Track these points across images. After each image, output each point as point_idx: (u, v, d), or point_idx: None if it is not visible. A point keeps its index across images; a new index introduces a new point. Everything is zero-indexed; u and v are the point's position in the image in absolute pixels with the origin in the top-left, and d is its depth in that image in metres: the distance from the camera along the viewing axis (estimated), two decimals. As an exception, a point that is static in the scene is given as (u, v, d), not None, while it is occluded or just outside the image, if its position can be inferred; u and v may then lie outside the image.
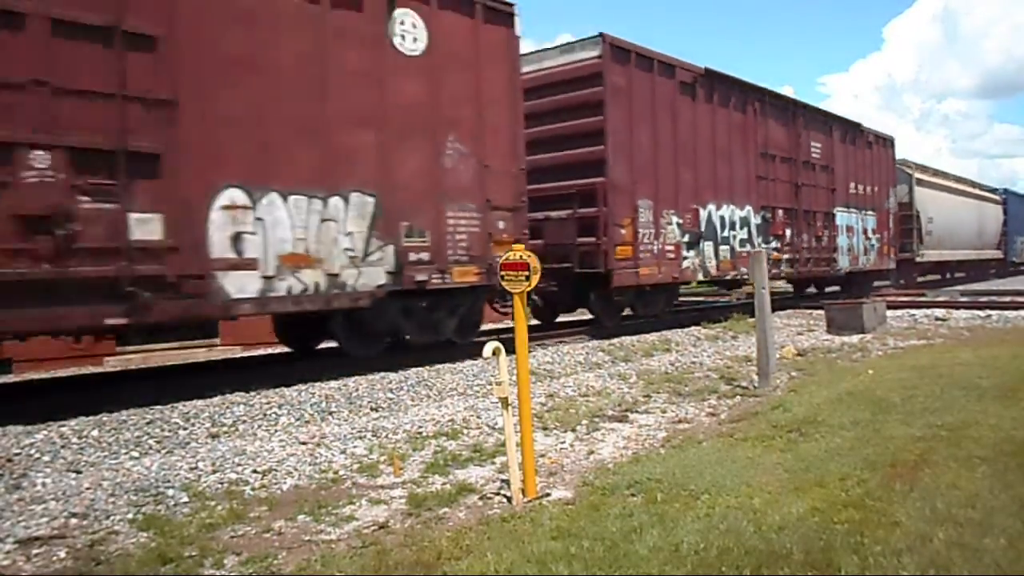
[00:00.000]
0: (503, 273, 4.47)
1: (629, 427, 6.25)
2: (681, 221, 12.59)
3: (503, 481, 4.61)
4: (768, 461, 4.75)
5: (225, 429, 6.34)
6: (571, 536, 3.58)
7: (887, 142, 20.54)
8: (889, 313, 13.80)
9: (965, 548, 3.21)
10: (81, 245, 6.14)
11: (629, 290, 11.99)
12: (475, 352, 8.65)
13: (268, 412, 6.79)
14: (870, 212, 19.27)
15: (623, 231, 11.38)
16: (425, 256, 8.71)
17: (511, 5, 9.68)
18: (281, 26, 7.46)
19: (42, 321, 6.17)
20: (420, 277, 8.63)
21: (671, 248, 12.36)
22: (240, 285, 7.13)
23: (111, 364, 11.75)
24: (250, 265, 7.22)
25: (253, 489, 4.72)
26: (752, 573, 3.08)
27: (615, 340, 11.20)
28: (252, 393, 7.36)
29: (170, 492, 4.59)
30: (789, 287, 19.99)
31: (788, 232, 15.55)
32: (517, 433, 4.47)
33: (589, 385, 7.98)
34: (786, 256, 15.48)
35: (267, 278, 7.34)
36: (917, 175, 24.19)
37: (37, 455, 5.44)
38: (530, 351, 9.37)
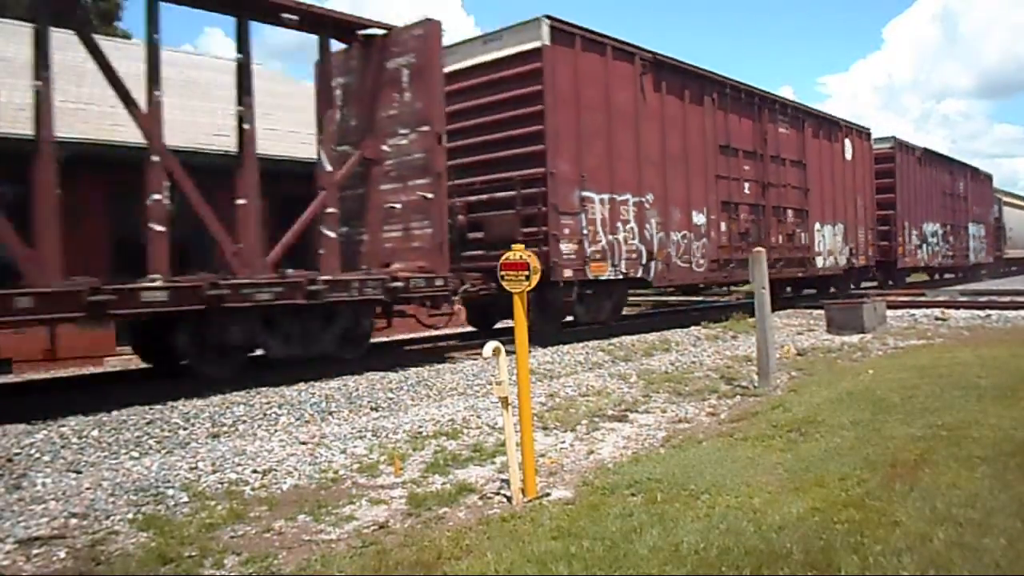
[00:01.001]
0: (503, 273, 4.46)
1: (629, 427, 6.25)
2: (917, 232, 23.47)
3: (503, 481, 4.61)
4: (768, 461, 4.76)
5: (225, 429, 6.34)
6: (571, 536, 3.58)
7: (989, 177, 32.07)
8: (889, 313, 13.80)
9: (965, 548, 3.21)
10: (794, 245, 15.96)
11: (904, 270, 23.29)
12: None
13: (268, 412, 6.79)
14: (981, 224, 30.23)
15: (900, 238, 22.13)
16: (853, 250, 18.96)
17: (869, 129, 20.18)
18: (825, 151, 17.73)
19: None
20: (854, 261, 18.97)
21: (913, 248, 23.15)
22: (821, 262, 17.19)
23: (111, 364, 11.75)
24: (821, 253, 17.15)
25: (253, 489, 4.72)
26: (752, 573, 3.08)
27: (615, 340, 11.20)
28: (252, 393, 7.36)
29: (170, 492, 4.59)
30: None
31: (951, 239, 26.59)
32: (517, 433, 4.47)
33: (589, 385, 7.97)
34: (950, 254, 26.54)
35: (825, 259, 17.40)
36: (1004, 199, 35.16)
37: (37, 455, 5.44)
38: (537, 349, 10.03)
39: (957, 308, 14.92)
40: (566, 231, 10.40)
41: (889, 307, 14.15)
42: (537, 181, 10.27)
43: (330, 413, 6.95)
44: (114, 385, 8.37)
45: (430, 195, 8.95)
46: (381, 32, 9.31)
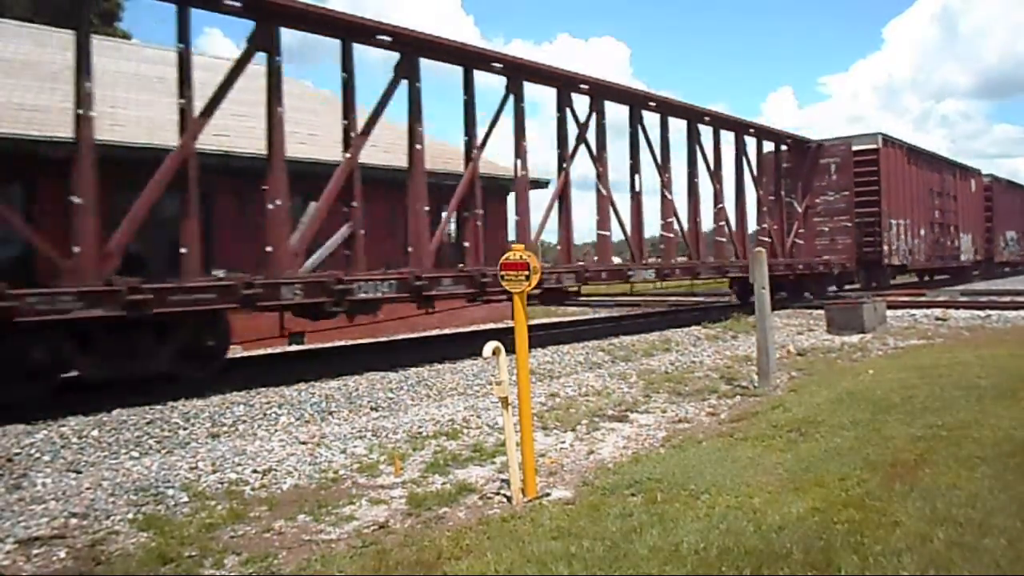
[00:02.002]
0: (503, 273, 4.46)
1: (629, 427, 6.25)
2: (1003, 238, 32.13)
3: (503, 481, 4.61)
4: (768, 461, 4.76)
5: (225, 429, 6.35)
6: (571, 536, 3.58)
7: None
8: (889, 313, 13.80)
9: (965, 548, 3.21)
10: (952, 246, 25.86)
11: (997, 264, 31.80)
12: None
13: (268, 412, 6.80)
14: None
15: (996, 243, 31.27)
16: (976, 250, 28.38)
17: (980, 170, 29.76)
18: (964, 187, 27.41)
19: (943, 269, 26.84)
20: (977, 257, 28.61)
21: (1001, 249, 31.86)
22: (963, 257, 27.12)
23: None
24: (964, 252, 27.19)
25: (253, 489, 4.72)
26: (752, 573, 3.08)
27: (615, 340, 11.21)
28: (252, 393, 7.36)
29: (170, 492, 4.59)
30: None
31: (1020, 243, 34.81)
32: (517, 433, 4.47)
33: (589, 385, 7.98)
34: (1019, 253, 34.72)
35: (964, 255, 27.10)
36: None
37: (37, 455, 5.45)
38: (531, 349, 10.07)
39: (957, 308, 14.92)
40: (885, 239, 20.06)
41: (889, 307, 14.15)
42: (873, 214, 19.96)
43: (330, 413, 6.95)
44: (114, 385, 8.36)
45: (849, 224, 19.15)
46: (815, 143, 19.33)
